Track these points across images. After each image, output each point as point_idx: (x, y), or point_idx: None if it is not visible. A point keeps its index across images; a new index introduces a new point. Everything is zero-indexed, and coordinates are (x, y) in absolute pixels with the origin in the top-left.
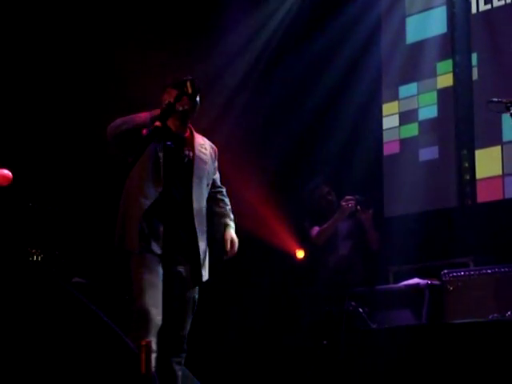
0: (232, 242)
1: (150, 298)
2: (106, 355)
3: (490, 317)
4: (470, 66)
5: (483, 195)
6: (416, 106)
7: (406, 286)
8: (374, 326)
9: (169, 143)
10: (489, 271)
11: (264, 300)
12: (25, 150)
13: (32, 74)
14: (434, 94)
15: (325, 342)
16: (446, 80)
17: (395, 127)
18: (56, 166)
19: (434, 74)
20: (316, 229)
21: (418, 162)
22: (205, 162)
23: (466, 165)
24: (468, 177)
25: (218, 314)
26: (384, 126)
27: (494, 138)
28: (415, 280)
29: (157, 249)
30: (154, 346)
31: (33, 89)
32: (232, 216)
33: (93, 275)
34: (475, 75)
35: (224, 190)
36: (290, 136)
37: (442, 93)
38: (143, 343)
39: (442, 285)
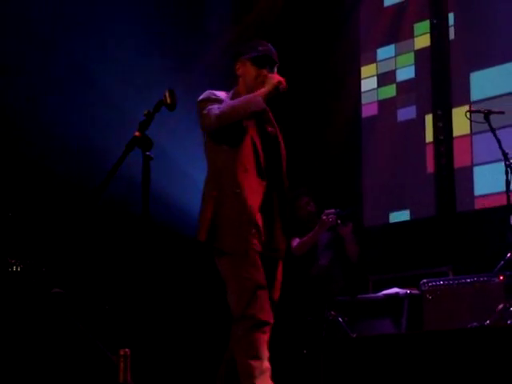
0: None
1: (263, 302)
2: (85, 365)
3: (469, 326)
4: (447, 26)
5: (459, 157)
6: (394, 68)
7: (385, 295)
8: (354, 335)
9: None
10: (468, 280)
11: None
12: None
13: None
14: (412, 55)
15: (305, 351)
16: (423, 41)
17: (373, 89)
18: (38, 176)
19: (411, 36)
20: (296, 240)
21: (396, 123)
22: (281, 144)
23: (441, 124)
24: (442, 136)
25: (195, 323)
26: (362, 89)
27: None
28: (394, 289)
29: (258, 246)
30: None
31: None
32: None
33: (73, 286)
34: (452, 35)
35: None
36: None
37: (420, 54)
38: (122, 353)
39: (421, 294)
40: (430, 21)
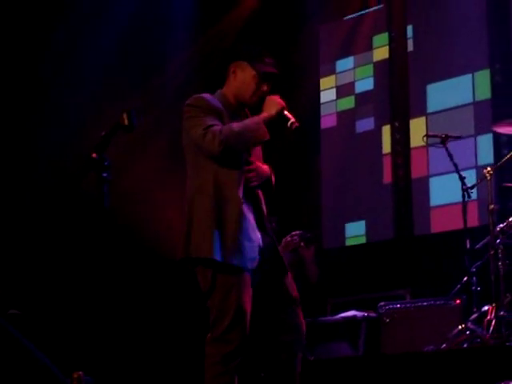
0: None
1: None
2: None
3: (426, 349)
4: (405, 39)
5: (415, 168)
6: (353, 79)
7: (343, 318)
8: (312, 358)
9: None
10: (425, 304)
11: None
12: None
13: None
14: (371, 67)
15: (262, 374)
16: (382, 53)
17: (332, 101)
18: None
19: (370, 48)
20: None
21: (354, 134)
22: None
23: (398, 136)
24: (399, 148)
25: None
26: (321, 100)
27: (421, 108)
28: (352, 312)
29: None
30: None
31: None
32: None
33: (29, 307)
34: (410, 47)
35: None
36: None
37: (379, 65)
38: (75, 376)
39: (378, 317)
40: (389, 33)
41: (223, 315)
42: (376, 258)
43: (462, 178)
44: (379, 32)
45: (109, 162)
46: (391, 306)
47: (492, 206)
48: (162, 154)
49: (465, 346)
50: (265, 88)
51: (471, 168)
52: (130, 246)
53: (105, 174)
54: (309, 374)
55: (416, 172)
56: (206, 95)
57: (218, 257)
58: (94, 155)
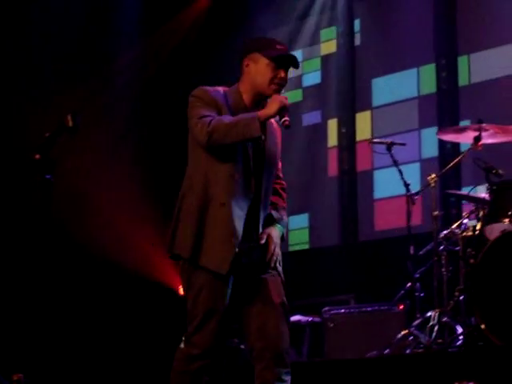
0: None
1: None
2: None
3: (369, 354)
4: (352, 33)
5: (360, 161)
6: (300, 73)
7: None
8: None
9: None
10: (369, 309)
11: (145, 336)
12: None
13: None
14: (318, 61)
15: (207, 378)
16: (329, 46)
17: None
18: None
19: (318, 41)
20: None
21: (301, 127)
22: (276, 148)
23: (344, 129)
24: (345, 141)
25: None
26: None
27: (367, 102)
28: (297, 317)
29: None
30: None
31: None
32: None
33: None
34: (357, 41)
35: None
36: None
37: (326, 59)
38: (15, 378)
39: (322, 322)
40: (337, 27)
41: (193, 316)
42: (320, 263)
43: (406, 185)
44: (327, 26)
45: (53, 163)
46: (335, 311)
47: (436, 213)
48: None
49: (408, 351)
50: (282, 74)
51: (415, 161)
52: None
53: (48, 176)
54: (252, 378)
55: (361, 165)
56: (211, 88)
57: (190, 256)
58: (37, 156)
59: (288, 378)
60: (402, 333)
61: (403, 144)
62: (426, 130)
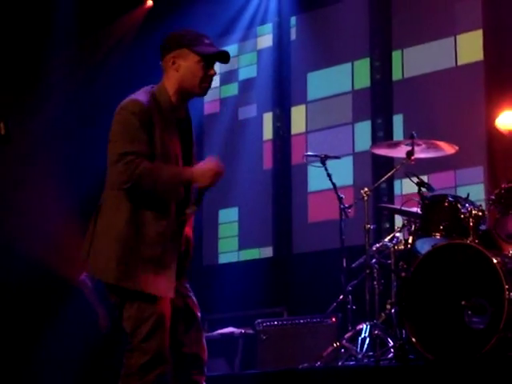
0: None
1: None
2: None
3: (301, 366)
4: (288, 28)
5: (295, 154)
6: (236, 67)
7: (220, 334)
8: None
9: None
10: (301, 321)
11: (80, 343)
12: None
13: None
14: (255, 55)
15: None
16: (265, 41)
17: (216, 87)
18: None
19: (254, 36)
20: None
21: (237, 121)
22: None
23: (279, 123)
24: (280, 134)
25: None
26: None
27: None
28: (229, 329)
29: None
30: None
31: None
32: None
33: None
34: (293, 35)
35: None
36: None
37: (262, 53)
38: None
39: (255, 334)
40: (273, 22)
41: (141, 323)
42: (253, 275)
43: (339, 198)
44: (263, 22)
45: None
46: (268, 323)
47: (368, 226)
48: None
49: (339, 363)
50: (212, 71)
51: (349, 155)
52: None
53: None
54: None
55: (295, 158)
56: (142, 99)
57: (130, 286)
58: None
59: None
60: (334, 345)
61: (337, 157)
62: (360, 124)
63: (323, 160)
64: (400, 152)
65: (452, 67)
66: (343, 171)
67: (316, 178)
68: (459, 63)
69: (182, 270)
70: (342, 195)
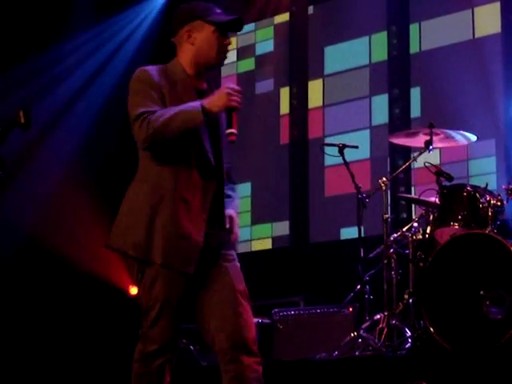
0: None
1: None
2: None
3: (318, 356)
4: (305, 1)
5: (312, 129)
6: (253, 41)
7: None
8: (204, 364)
9: None
10: (318, 311)
11: (94, 336)
12: None
13: None
14: (271, 29)
15: (168, 379)
16: (282, 15)
17: (233, 62)
18: None
19: None
20: None
21: (254, 95)
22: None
23: (295, 99)
24: (297, 109)
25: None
26: None
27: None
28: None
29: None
30: None
31: None
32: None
33: None
34: (310, 10)
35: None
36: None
37: (279, 28)
38: None
39: (272, 323)
40: None
41: (149, 309)
42: (270, 264)
43: (357, 188)
44: None
45: (3, 159)
46: (285, 313)
47: (386, 216)
48: None
49: (356, 353)
50: (228, 40)
51: (365, 128)
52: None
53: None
54: (201, 379)
55: (312, 133)
56: (151, 68)
57: (144, 255)
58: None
59: (258, 368)
60: (351, 335)
61: (355, 147)
62: (377, 97)
63: (341, 149)
64: (418, 142)
65: (469, 40)
66: (360, 145)
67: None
68: (477, 36)
69: (216, 245)
70: (360, 185)
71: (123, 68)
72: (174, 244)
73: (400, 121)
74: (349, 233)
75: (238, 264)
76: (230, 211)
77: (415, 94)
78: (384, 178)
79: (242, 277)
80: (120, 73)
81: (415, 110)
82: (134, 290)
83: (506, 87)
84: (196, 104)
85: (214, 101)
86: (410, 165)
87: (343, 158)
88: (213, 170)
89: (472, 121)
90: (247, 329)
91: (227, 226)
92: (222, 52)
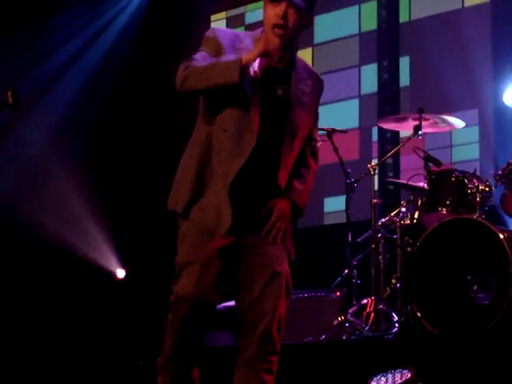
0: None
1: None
2: None
3: (305, 340)
4: None
5: None
6: (244, 11)
7: (225, 307)
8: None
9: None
10: (306, 295)
11: (81, 320)
12: None
13: None
14: None
15: (141, 362)
16: None
17: None
18: None
19: None
20: None
21: None
22: (303, 101)
23: None
24: None
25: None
26: None
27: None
28: (234, 302)
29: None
30: None
31: None
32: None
33: None
34: None
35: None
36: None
37: None
38: None
39: None
40: None
41: (176, 263)
42: None
43: (346, 173)
44: None
45: None
46: None
47: (374, 201)
48: None
49: (343, 338)
50: (278, 11)
51: (355, 97)
52: None
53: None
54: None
55: None
56: (223, 29)
57: (184, 211)
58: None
59: (274, 359)
60: (338, 319)
61: (344, 131)
62: (366, 67)
63: (330, 134)
64: (407, 127)
65: (459, 9)
66: (349, 114)
67: (324, 120)
68: (466, 4)
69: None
70: (348, 170)
71: (111, 43)
72: (213, 204)
73: (389, 90)
74: (333, 202)
75: (282, 246)
76: (278, 200)
77: (404, 63)
78: (373, 163)
79: (284, 259)
80: (108, 47)
81: (404, 80)
82: (121, 274)
83: (493, 57)
84: (235, 59)
85: (253, 53)
86: (398, 150)
87: (332, 144)
88: (252, 141)
89: (458, 93)
90: (274, 317)
91: (263, 212)
92: (277, 25)
